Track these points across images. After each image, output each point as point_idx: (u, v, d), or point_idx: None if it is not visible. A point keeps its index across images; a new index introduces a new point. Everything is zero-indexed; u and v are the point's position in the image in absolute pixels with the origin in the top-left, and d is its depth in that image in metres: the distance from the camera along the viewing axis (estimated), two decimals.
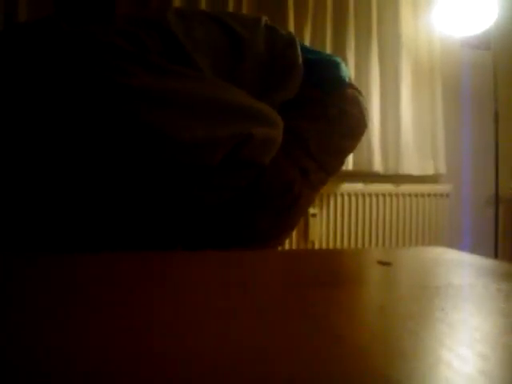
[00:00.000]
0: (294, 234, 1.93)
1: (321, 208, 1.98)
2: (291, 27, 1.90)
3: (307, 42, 1.94)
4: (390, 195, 2.07)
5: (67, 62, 0.76)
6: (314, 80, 1.03)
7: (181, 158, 0.82)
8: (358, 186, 2.03)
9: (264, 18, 1.06)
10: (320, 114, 1.05)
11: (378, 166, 2.01)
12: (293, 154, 1.01)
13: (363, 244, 2.03)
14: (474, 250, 2.13)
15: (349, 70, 1.13)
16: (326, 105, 1.05)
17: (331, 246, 1.99)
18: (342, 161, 1.15)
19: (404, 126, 2.05)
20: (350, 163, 1.96)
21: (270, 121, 0.91)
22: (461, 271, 0.50)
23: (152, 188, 0.85)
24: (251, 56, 0.94)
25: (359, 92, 1.13)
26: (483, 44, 2.23)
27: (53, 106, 0.76)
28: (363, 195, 2.03)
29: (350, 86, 1.11)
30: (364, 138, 1.99)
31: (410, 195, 2.09)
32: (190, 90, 0.83)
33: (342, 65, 1.08)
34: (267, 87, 0.95)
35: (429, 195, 2.11)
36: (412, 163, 2.08)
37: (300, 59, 0.99)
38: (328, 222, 1.99)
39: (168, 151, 0.80)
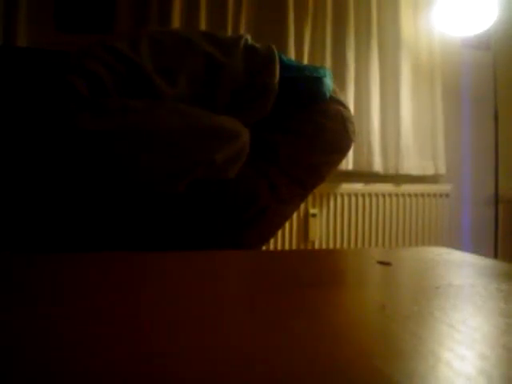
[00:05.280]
0: (294, 234, 1.93)
1: (321, 208, 1.98)
2: (291, 27, 1.90)
3: (307, 42, 1.94)
4: (390, 195, 2.07)
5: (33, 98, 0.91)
6: (291, 96, 1.03)
7: (148, 189, 0.91)
8: (358, 186, 2.03)
9: (244, 38, 1.06)
10: (294, 129, 1.05)
11: (377, 166, 2.01)
12: (261, 167, 1.01)
13: (363, 244, 2.02)
14: (474, 249, 2.13)
15: (332, 83, 1.11)
16: (302, 120, 1.05)
17: (331, 246, 1.99)
18: (320, 176, 1.13)
19: (404, 126, 2.05)
20: (350, 163, 1.96)
21: (233, 134, 0.93)
22: (461, 271, 0.50)
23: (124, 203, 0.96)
24: (228, 81, 0.97)
25: (344, 106, 1.11)
26: (483, 44, 2.23)
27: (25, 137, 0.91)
28: (363, 195, 2.03)
29: (333, 100, 1.09)
30: (364, 139, 2.01)
31: (409, 195, 2.09)
32: (143, 124, 0.90)
33: (326, 79, 1.06)
34: (241, 108, 0.97)
35: (429, 195, 2.11)
36: (412, 163, 2.08)
37: (276, 79, 1.00)
38: (328, 222, 1.98)
39: (133, 184, 0.91)
